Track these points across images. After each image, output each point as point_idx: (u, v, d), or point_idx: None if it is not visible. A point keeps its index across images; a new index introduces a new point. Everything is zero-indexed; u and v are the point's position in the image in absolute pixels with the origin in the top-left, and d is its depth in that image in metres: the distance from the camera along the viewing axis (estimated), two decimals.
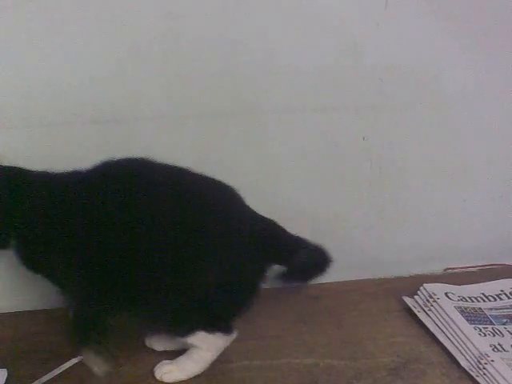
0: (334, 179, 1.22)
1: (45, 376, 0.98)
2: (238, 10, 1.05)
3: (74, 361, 1.01)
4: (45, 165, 0.96)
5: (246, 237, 0.95)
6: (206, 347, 0.98)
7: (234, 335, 0.99)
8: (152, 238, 0.90)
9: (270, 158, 1.17)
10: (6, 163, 0.97)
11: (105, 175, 0.94)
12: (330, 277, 1.22)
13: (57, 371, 0.99)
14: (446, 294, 1.16)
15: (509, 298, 1.18)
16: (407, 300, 1.18)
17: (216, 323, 0.97)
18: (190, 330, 0.95)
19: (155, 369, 1.00)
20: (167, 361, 1.01)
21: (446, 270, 1.32)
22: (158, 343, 1.06)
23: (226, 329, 0.98)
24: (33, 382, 0.97)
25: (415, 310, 1.15)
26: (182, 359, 1.00)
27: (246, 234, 0.95)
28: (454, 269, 1.32)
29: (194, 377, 0.99)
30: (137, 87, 1.07)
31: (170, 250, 0.90)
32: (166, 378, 0.99)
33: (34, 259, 0.97)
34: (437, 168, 1.25)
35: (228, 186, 0.96)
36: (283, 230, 0.99)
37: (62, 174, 0.95)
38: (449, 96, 1.20)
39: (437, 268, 1.32)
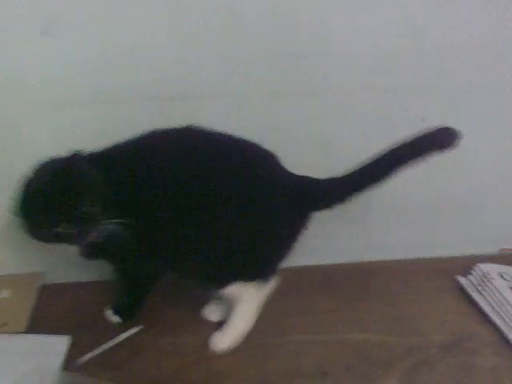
0: None
1: (105, 344, 1.03)
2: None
3: (133, 331, 1.06)
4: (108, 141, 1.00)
5: (284, 191, 0.99)
6: (245, 298, 1.02)
7: (272, 284, 1.03)
8: (201, 196, 0.94)
9: (330, 138, 1.19)
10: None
11: (156, 144, 0.98)
12: (384, 254, 1.24)
13: (116, 340, 1.04)
14: (500, 274, 1.16)
15: None
16: (461, 279, 1.18)
17: (252, 272, 1.00)
18: (227, 280, 0.99)
19: (209, 343, 1.04)
20: (217, 332, 1.05)
21: (499, 250, 1.32)
22: (214, 314, 1.09)
23: (262, 277, 1.01)
24: (93, 349, 1.01)
25: (469, 290, 1.15)
26: (227, 324, 1.04)
27: (283, 188, 0.99)
28: (507, 250, 1.31)
29: (250, 348, 1.02)
30: (200, 66, 1.10)
31: (217, 206, 0.95)
32: (219, 348, 1.03)
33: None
34: (495, 151, 1.24)
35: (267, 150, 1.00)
36: (317, 180, 1.02)
37: (110, 148, 0.99)
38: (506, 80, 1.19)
39: (490, 249, 1.31)
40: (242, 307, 1.03)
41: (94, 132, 1.08)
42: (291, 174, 1.02)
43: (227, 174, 0.95)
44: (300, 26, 1.09)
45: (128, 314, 1.09)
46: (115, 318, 1.09)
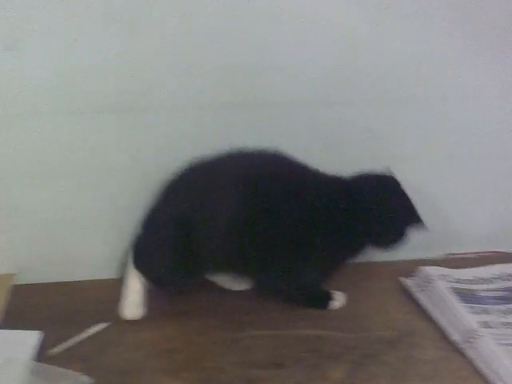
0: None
1: (74, 338, 1.10)
2: (247, 13, 1.16)
3: (100, 327, 1.13)
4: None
5: None
6: None
7: None
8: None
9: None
10: None
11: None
12: None
13: (85, 335, 1.11)
14: (441, 275, 1.25)
15: (502, 281, 1.27)
16: (406, 281, 1.27)
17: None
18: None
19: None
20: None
21: (447, 255, 1.40)
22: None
23: None
24: (63, 343, 1.08)
25: (413, 290, 1.24)
26: None
27: None
28: (454, 254, 1.40)
29: (209, 343, 1.11)
30: (153, 79, 1.18)
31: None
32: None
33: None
34: (438, 158, 1.33)
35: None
36: None
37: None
38: (444, 93, 1.29)
39: (438, 254, 1.39)
40: None
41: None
42: None
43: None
44: (248, 40, 1.18)
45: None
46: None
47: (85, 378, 0.97)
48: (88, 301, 1.22)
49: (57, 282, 1.27)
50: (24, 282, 1.26)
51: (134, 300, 1.16)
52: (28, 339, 1.07)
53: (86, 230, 1.27)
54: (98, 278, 1.28)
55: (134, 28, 1.14)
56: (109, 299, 1.18)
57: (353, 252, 1.18)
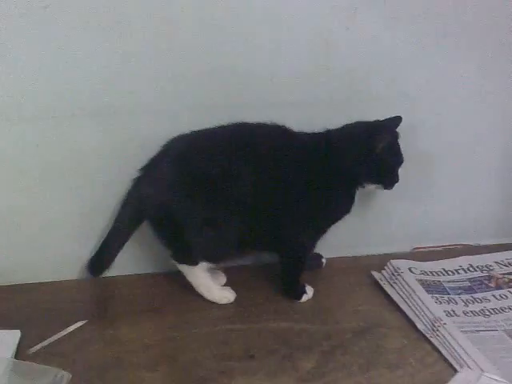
0: None
1: (53, 336, 1.12)
2: (224, 20, 1.22)
3: (77, 324, 1.16)
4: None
5: None
6: None
7: None
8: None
9: None
10: None
11: None
12: None
13: (63, 332, 1.14)
14: (409, 268, 1.30)
15: (465, 272, 1.33)
16: (375, 274, 1.31)
17: None
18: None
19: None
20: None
21: (413, 249, 1.45)
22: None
23: None
24: (42, 341, 1.11)
25: (381, 283, 1.29)
26: None
27: None
28: (420, 248, 1.45)
29: (184, 337, 1.14)
30: (133, 84, 1.23)
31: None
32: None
33: None
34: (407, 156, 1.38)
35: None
36: None
37: None
38: (410, 93, 1.35)
39: (405, 248, 1.45)
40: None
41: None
42: None
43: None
44: (223, 49, 1.24)
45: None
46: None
47: (64, 373, 0.99)
48: (65, 300, 1.25)
49: (34, 283, 1.30)
50: (1, 284, 1.28)
51: (216, 286, 1.25)
52: (8, 338, 1.09)
53: (60, 231, 1.30)
54: (74, 278, 1.31)
55: (116, 33, 1.18)
56: (84, 298, 1.24)
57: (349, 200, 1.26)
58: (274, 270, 1.29)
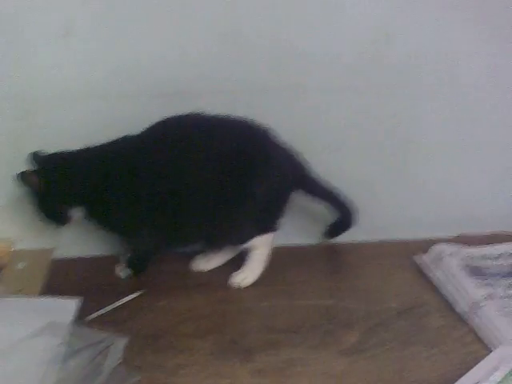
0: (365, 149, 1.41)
1: (109, 305, 1.20)
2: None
3: (134, 295, 1.23)
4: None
5: (284, 160, 1.25)
6: (262, 246, 1.25)
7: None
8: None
9: (312, 130, 1.36)
10: None
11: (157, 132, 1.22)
12: (354, 236, 1.40)
13: (119, 302, 1.21)
14: (451, 253, 1.33)
15: (507, 258, 1.35)
16: (418, 258, 1.35)
17: (267, 226, 1.25)
18: (249, 237, 1.24)
19: (231, 281, 1.28)
20: (237, 272, 1.28)
21: (459, 235, 1.47)
22: (206, 264, 1.33)
23: (274, 228, 1.27)
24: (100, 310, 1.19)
25: (424, 267, 1.32)
26: (248, 265, 1.28)
27: (284, 158, 1.25)
28: (465, 234, 1.47)
29: (232, 311, 1.21)
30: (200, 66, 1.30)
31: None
32: (244, 284, 1.27)
33: (106, 218, 1.25)
34: (456, 144, 1.42)
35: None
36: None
37: (115, 141, 1.23)
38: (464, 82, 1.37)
39: (451, 234, 1.46)
40: (259, 252, 1.27)
41: (105, 124, 1.28)
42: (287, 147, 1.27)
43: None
44: (289, 29, 1.29)
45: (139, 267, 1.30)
46: (126, 272, 1.29)
47: (120, 338, 1.06)
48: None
49: (91, 257, 1.38)
50: (63, 257, 1.37)
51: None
52: (68, 305, 1.16)
53: None
54: None
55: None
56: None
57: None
58: (318, 250, 1.36)
